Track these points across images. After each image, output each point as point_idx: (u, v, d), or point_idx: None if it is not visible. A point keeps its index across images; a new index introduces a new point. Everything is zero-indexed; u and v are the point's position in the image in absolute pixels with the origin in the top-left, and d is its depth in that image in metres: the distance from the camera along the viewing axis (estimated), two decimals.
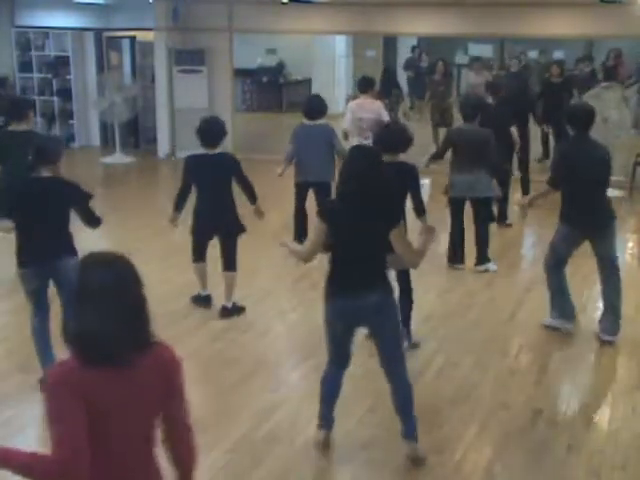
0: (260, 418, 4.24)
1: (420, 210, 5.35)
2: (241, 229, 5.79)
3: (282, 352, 5.36)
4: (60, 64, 12.84)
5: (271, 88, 17.47)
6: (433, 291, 6.35)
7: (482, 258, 6.89)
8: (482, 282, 6.55)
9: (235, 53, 12.34)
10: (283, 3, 10.57)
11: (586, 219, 5.29)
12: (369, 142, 6.54)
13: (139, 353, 2.18)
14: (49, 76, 13.00)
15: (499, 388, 4.67)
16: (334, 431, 4.11)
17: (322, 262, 7.01)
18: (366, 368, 4.88)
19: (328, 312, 3.83)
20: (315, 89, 15.00)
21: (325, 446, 3.97)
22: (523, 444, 4.02)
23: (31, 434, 4.07)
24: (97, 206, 4.76)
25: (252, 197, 5.90)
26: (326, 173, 7.02)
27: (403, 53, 16.49)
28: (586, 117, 5.25)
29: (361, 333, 5.40)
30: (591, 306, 6.07)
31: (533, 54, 16.09)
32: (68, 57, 12.75)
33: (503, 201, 8.04)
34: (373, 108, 7.93)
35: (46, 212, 4.40)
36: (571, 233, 5.40)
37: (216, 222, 5.73)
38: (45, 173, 4.40)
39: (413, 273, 6.21)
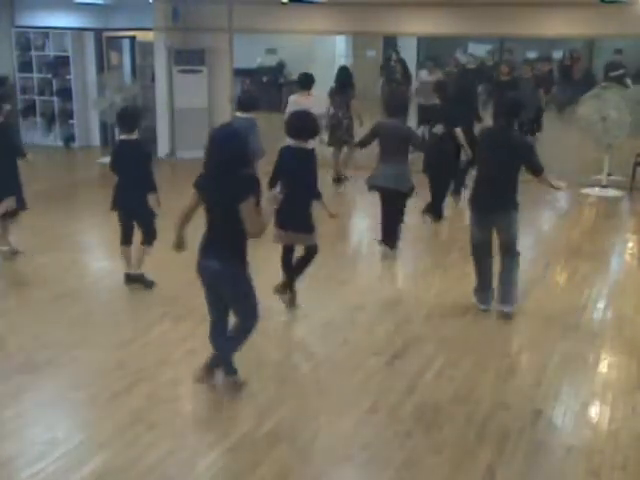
0: (260, 418, 4.24)
1: (318, 196, 5.76)
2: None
3: (282, 351, 5.36)
4: (60, 64, 12.84)
5: (271, 88, 17.47)
6: (433, 291, 6.36)
7: (391, 244, 7.23)
8: None
9: (235, 53, 12.35)
10: (283, 3, 10.57)
11: (488, 205, 5.59)
12: None
13: None
14: (49, 76, 13.01)
15: (499, 388, 4.67)
16: (334, 431, 4.12)
17: (322, 263, 7.04)
18: (366, 368, 4.89)
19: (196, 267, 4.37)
20: (315, 89, 14.99)
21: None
22: (523, 444, 4.02)
23: (31, 434, 4.07)
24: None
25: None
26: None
27: (403, 53, 16.46)
28: (507, 109, 5.60)
29: (363, 329, 5.41)
30: (591, 306, 6.08)
31: (532, 54, 16.19)
32: (68, 57, 12.76)
33: (439, 198, 8.45)
34: (307, 103, 8.24)
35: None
36: (477, 218, 5.71)
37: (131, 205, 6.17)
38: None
39: (413, 273, 6.25)
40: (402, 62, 14.08)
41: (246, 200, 4.07)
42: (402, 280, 7.02)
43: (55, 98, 13.05)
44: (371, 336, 5.43)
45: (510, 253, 5.69)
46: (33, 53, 12.99)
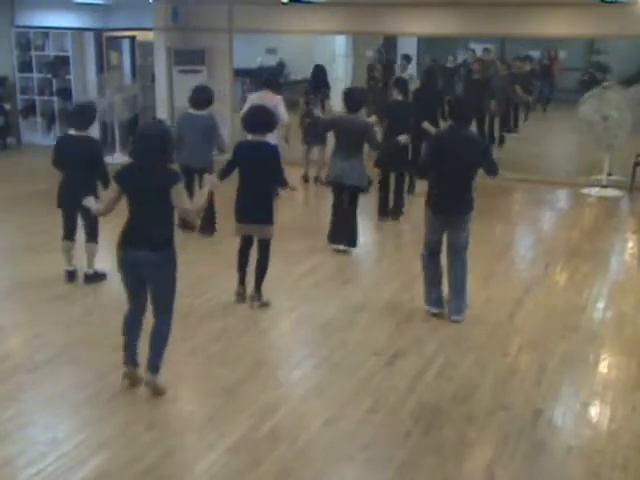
0: (260, 418, 4.24)
1: (282, 183, 5.98)
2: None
3: (282, 352, 5.36)
4: (60, 64, 12.83)
5: None
6: None
7: (352, 242, 7.35)
8: (481, 282, 6.55)
9: (235, 53, 12.34)
10: (283, 3, 10.57)
11: (447, 206, 5.56)
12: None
13: None
14: (49, 76, 12.99)
15: (499, 388, 4.67)
16: (334, 431, 4.12)
17: (323, 263, 7.03)
18: (366, 368, 4.89)
19: (118, 261, 4.43)
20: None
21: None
22: (523, 444, 4.02)
23: (31, 434, 4.07)
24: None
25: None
26: (204, 159, 7.56)
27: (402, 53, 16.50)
28: (460, 110, 5.58)
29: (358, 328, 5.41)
30: (591, 306, 6.08)
31: (536, 54, 16.38)
32: (68, 57, 12.74)
33: (399, 194, 8.62)
34: (269, 102, 8.10)
35: None
36: (434, 220, 5.66)
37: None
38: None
39: (413, 273, 6.25)
40: (383, 61, 14.22)
41: (176, 185, 4.24)
42: (402, 280, 7.01)
43: (55, 98, 13.04)
44: (371, 336, 5.43)
45: (461, 256, 5.67)
46: (33, 53, 12.97)
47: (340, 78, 16.59)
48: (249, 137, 5.92)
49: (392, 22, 11.22)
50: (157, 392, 4.46)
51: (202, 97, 7.73)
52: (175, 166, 5.45)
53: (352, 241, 7.37)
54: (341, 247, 7.35)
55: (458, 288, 5.70)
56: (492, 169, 5.60)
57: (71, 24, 13.00)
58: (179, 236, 7.69)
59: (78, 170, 6.10)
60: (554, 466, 3.87)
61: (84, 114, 6.24)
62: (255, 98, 8.21)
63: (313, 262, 7.04)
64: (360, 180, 7.11)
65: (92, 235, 6.34)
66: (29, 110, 13.29)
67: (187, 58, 12.12)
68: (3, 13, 12.86)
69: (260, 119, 5.79)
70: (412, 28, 11.59)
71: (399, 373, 4.82)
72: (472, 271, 6.98)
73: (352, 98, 7.27)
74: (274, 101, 8.19)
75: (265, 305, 5.91)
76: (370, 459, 3.89)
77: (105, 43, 12.98)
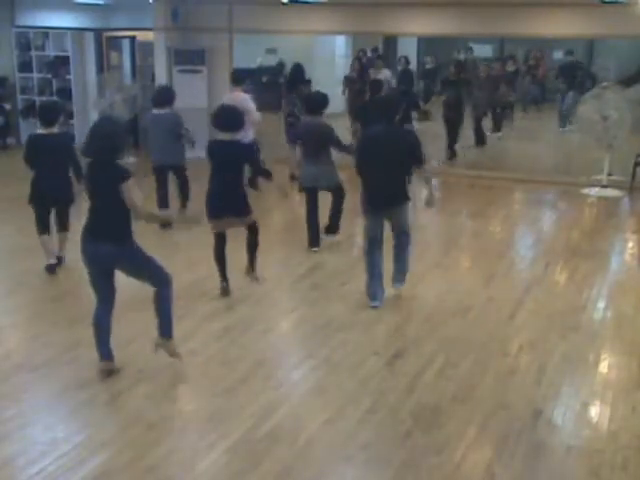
0: (260, 418, 4.24)
1: (265, 174, 6.28)
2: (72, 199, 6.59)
3: (282, 352, 5.36)
4: (60, 64, 12.84)
5: (271, 88, 17.44)
6: (433, 291, 6.36)
7: (333, 228, 7.56)
8: (481, 282, 6.56)
9: (235, 53, 12.34)
10: (283, 3, 10.57)
11: (383, 200, 5.77)
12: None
13: None
14: (49, 76, 13.00)
15: (499, 388, 4.67)
16: (334, 431, 4.12)
17: (322, 263, 7.03)
18: (366, 368, 4.89)
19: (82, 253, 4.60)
20: (316, 89, 15.05)
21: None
22: (523, 444, 4.02)
23: (31, 434, 4.07)
24: None
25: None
26: (175, 156, 7.97)
27: (403, 53, 16.50)
28: (382, 108, 5.80)
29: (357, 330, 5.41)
30: (591, 306, 6.08)
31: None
32: (68, 57, 12.75)
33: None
34: (239, 101, 8.37)
35: None
36: (373, 214, 5.83)
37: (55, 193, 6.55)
38: None
39: (413, 273, 6.25)
40: (361, 61, 14.50)
41: (127, 181, 4.39)
42: None
43: (55, 98, 13.03)
44: (371, 336, 5.43)
45: (405, 232, 5.97)
46: (33, 53, 12.98)
47: (340, 78, 16.60)
48: (220, 136, 6.02)
49: (392, 22, 11.23)
50: (174, 356, 4.78)
51: (164, 96, 8.03)
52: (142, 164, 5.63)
53: (332, 227, 7.52)
54: (325, 238, 7.48)
55: (400, 259, 6.03)
56: (418, 161, 5.72)
57: (71, 24, 13.01)
58: (181, 236, 7.71)
59: (54, 163, 6.38)
60: (554, 466, 3.87)
61: (50, 111, 6.53)
62: (227, 99, 8.34)
63: (312, 263, 7.04)
64: (331, 180, 7.19)
65: (65, 225, 6.70)
66: (29, 110, 13.28)
67: (187, 58, 12.13)
68: (3, 13, 12.86)
69: (227, 118, 5.91)
70: (412, 28, 11.59)
71: (399, 373, 4.82)
72: (472, 271, 7.02)
73: (312, 100, 7.37)
74: (242, 99, 8.45)
75: (257, 280, 6.24)
76: (370, 459, 3.89)
77: (105, 43, 13.00)
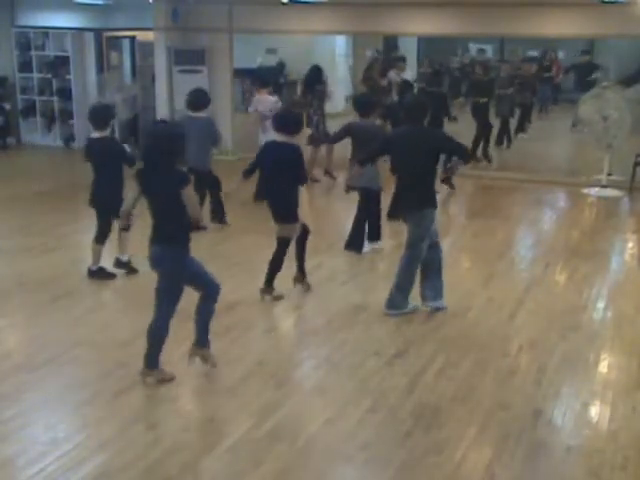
0: (260, 418, 4.23)
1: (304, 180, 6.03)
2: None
3: (282, 352, 5.36)
4: (60, 64, 12.83)
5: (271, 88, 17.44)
6: None
7: (374, 235, 7.43)
8: (481, 282, 6.55)
9: (235, 53, 12.34)
10: (283, 3, 10.57)
11: (402, 201, 5.74)
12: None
13: None
14: (49, 76, 12.99)
15: (499, 388, 4.67)
16: (335, 431, 4.12)
17: (323, 263, 7.02)
18: (366, 368, 4.89)
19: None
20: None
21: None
22: (523, 444, 4.02)
23: (31, 434, 4.07)
24: None
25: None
26: (203, 162, 7.69)
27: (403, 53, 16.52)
28: (412, 110, 5.66)
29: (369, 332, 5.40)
30: (591, 306, 6.08)
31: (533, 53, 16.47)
32: (68, 57, 12.75)
33: None
34: (266, 103, 8.70)
35: None
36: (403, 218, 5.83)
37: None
38: None
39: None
40: (379, 62, 14.43)
41: (187, 187, 4.36)
42: None
43: (55, 98, 13.04)
44: (371, 336, 5.43)
45: (406, 252, 5.74)
46: (33, 53, 12.98)
47: (340, 78, 16.63)
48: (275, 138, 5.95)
49: (392, 22, 11.22)
50: (209, 363, 4.75)
51: (201, 100, 7.86)
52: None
53: (354, 245, 7.35)
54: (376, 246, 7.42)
55: (398, 283, 5.74)
56: (459, 153, 5.66)
57: (71, 24, 13.00)
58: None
59: (106, 170, 6.24)
60: (554, 466, 3.87)
61: (102, 115, 6.40)
62: (256, 101, 8.58)
63: (313, 262, 7.03)
64: (370, 182, 7.04)
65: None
66: (29, 110, 13.30)
67: (187, 58, 12.13)
68: (3, 13, 12.87)
69: (289, 123, 5.85)
70: (412, 28, 11.60)
71: (399, 373, 4.82)
72: (472, 271, 7.01)
73: (362, 103, 7.34)
74: (273, 103, 8.55)
75: (276, 298, 6.03)
76: (370, 459, 3.89)
77: (105, 43, 12.98)
